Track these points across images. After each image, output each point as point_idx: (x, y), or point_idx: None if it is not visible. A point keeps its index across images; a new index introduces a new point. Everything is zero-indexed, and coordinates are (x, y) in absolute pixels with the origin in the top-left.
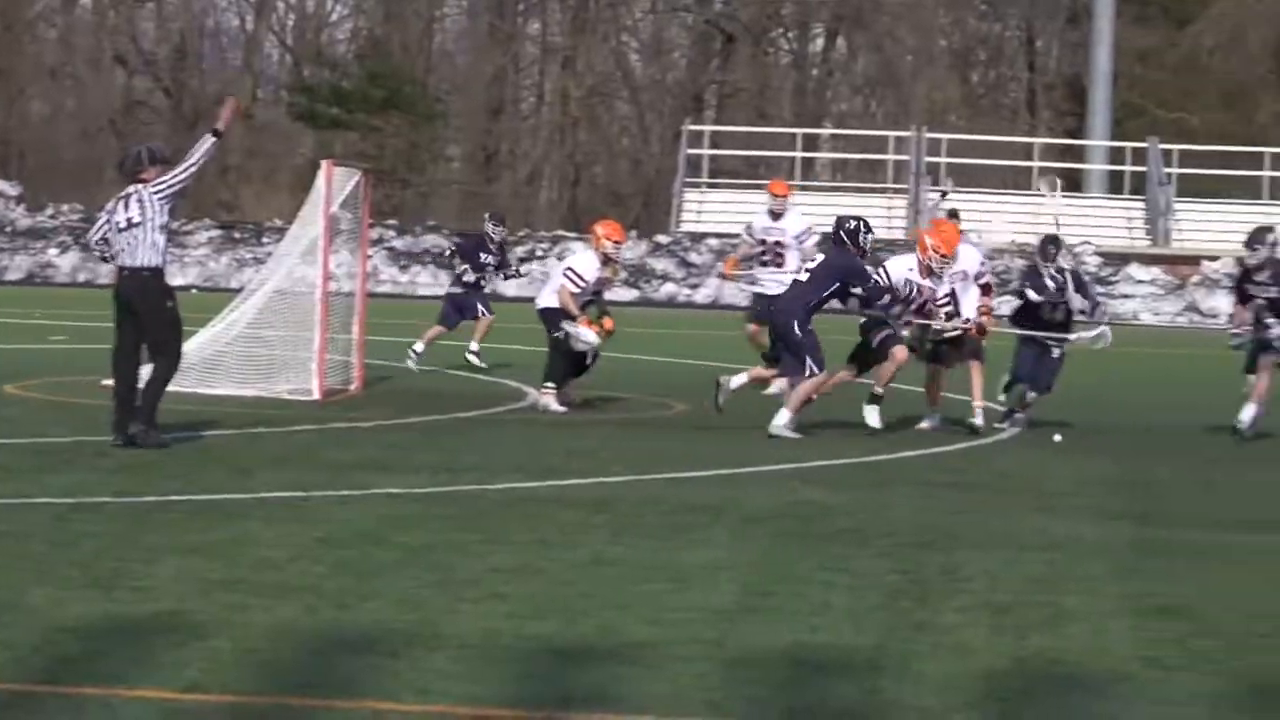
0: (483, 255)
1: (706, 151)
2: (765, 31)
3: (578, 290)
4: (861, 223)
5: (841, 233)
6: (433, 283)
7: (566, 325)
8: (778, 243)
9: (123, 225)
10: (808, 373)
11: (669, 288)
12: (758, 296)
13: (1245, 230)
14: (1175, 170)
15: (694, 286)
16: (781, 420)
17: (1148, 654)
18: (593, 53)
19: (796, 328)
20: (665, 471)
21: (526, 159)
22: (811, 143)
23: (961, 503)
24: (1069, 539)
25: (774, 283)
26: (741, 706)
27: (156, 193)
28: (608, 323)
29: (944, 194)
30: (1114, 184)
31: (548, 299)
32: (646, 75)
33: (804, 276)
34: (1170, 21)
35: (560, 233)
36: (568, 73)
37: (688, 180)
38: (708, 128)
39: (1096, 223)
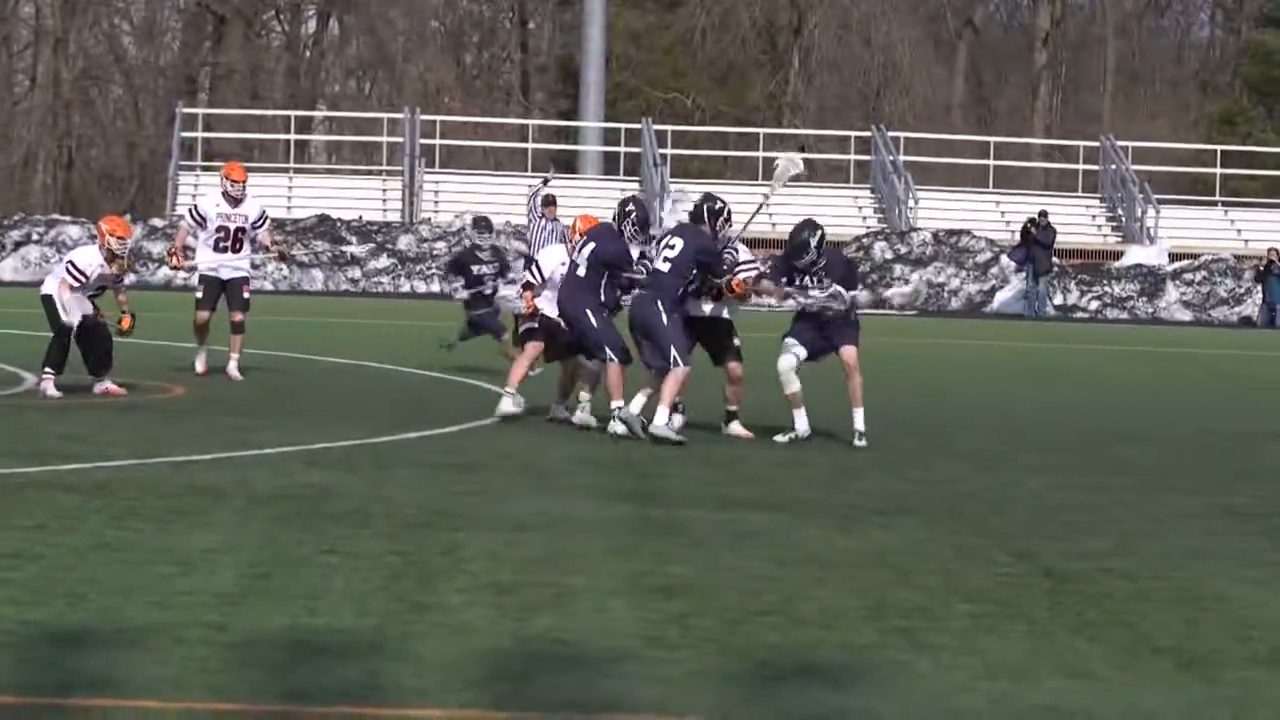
0: (475, 267)
1: (201, 134)
2: (258, 13)
3: (77, 285)
4: (728, 208)
5: (705, 212)
6: None
7: (64, 309)
8: (240, 229)
9: None
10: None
11: (165, 270)
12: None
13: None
14: (670, 151)
15: (192, 270)
16: (662, 419)
17: (650, 633)
18: (85, 35)
19: (663, 319)
20: (167, 455)
21: (20, 142)
22: (305, 125)
23: (463, 483)
24: (568, 518)
25: (230, 269)
26: (243, 689)
27: None
28: (124, 322)
29: (546, 180)
30: (609, 166)
31: (49, 286)
32: (139, 57)
33: (664, 266)
34: (662, 3)
35: (55, 216)
36: (60, 55)
37: (182, 163)
38: (201, 110)
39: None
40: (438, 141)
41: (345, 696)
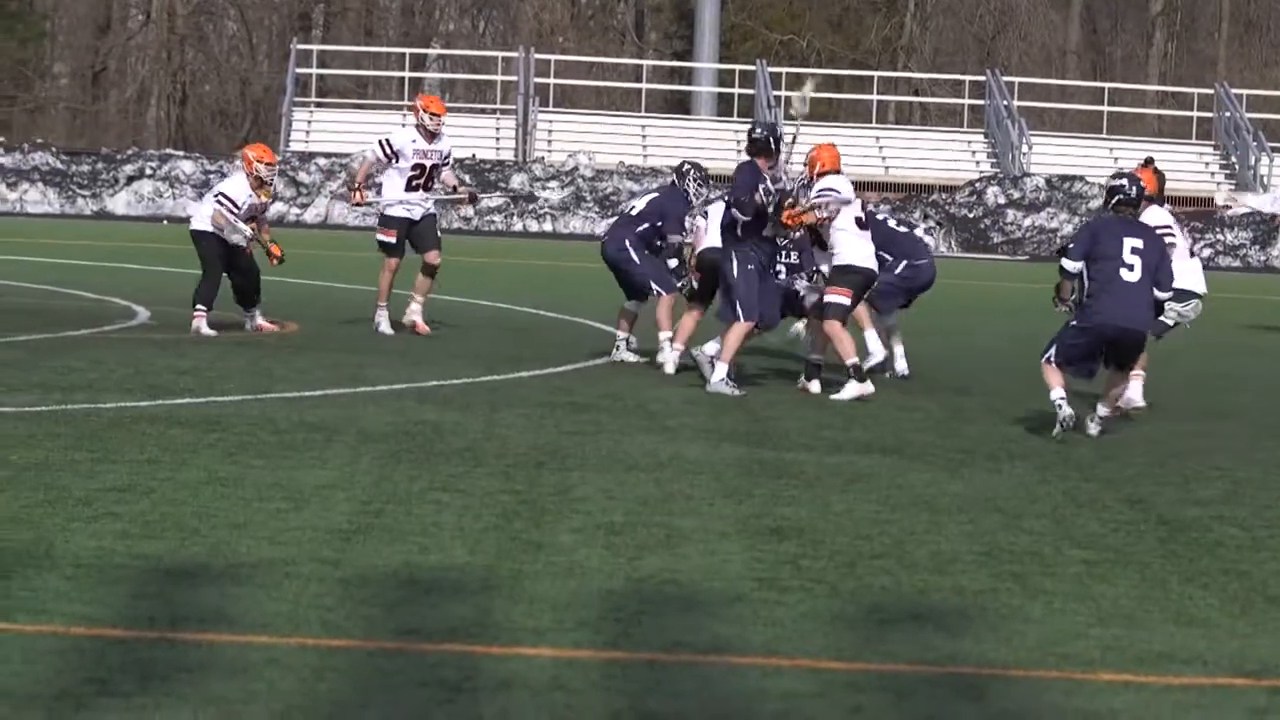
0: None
1: (315, 71)
2: None
3: (233, 214)
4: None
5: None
6: (41, 200)
7: (233, 227)
8: (435, 166)
9: None
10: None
11: (278, 207)
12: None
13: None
14: (784, 93)
15: (304, 206)
16: (719, 375)
17: (761, 575)
18: None
19: (733, 269)
20: (280, 391)
21: (134, 77)
22: (419, 62)
23: (574, 423)
24: (679, 459)
25: (421, 208)
26: (355, 625)
27: None
28: (275, 250)
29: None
30: (723, 107)
31: (200, 221)
32: None
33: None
34: None
35: (169, 151)
36: None
37: (296, 100)
38: (315, 47)
39: (698, 145)
40: (551, 80)
41: (457, 635)
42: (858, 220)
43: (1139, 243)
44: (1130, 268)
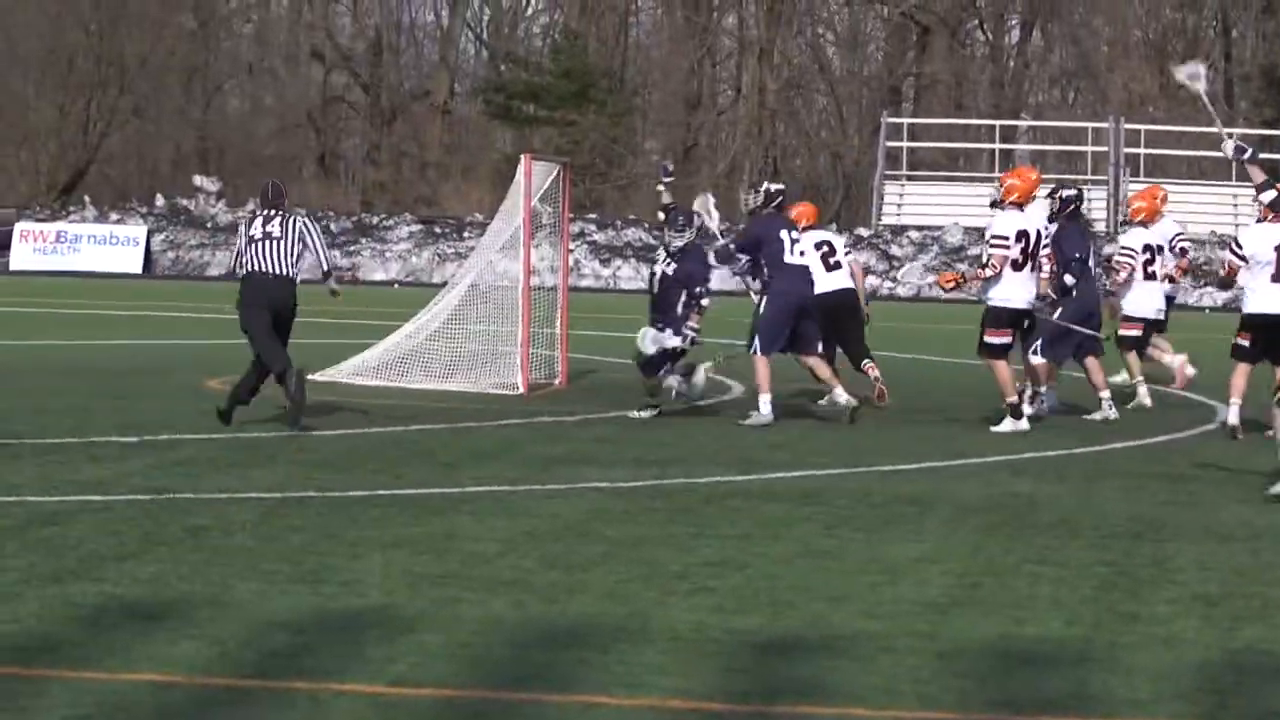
0: None
1: (905, 144)
2: (961, 23)
3: None
4: None
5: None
6: (634, 276)
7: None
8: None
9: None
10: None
11: (871, 280)
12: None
13: None
14: None
15: (895, 280)
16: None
17: None
18: (789, 45)
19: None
20: (873, 464)
21: (725, 152)
22: (1009, 134)
23: (1170, 493)
24: (1273, 529)
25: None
26: (951, 698)
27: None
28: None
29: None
30: None
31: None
32: (844, 67)
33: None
34: None
35: None
36: (764, 65)
37: (887, 173)
38: (906, 120)
39: None
40: (1142, 150)
41: (1053, 706)
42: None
43: None
44: None
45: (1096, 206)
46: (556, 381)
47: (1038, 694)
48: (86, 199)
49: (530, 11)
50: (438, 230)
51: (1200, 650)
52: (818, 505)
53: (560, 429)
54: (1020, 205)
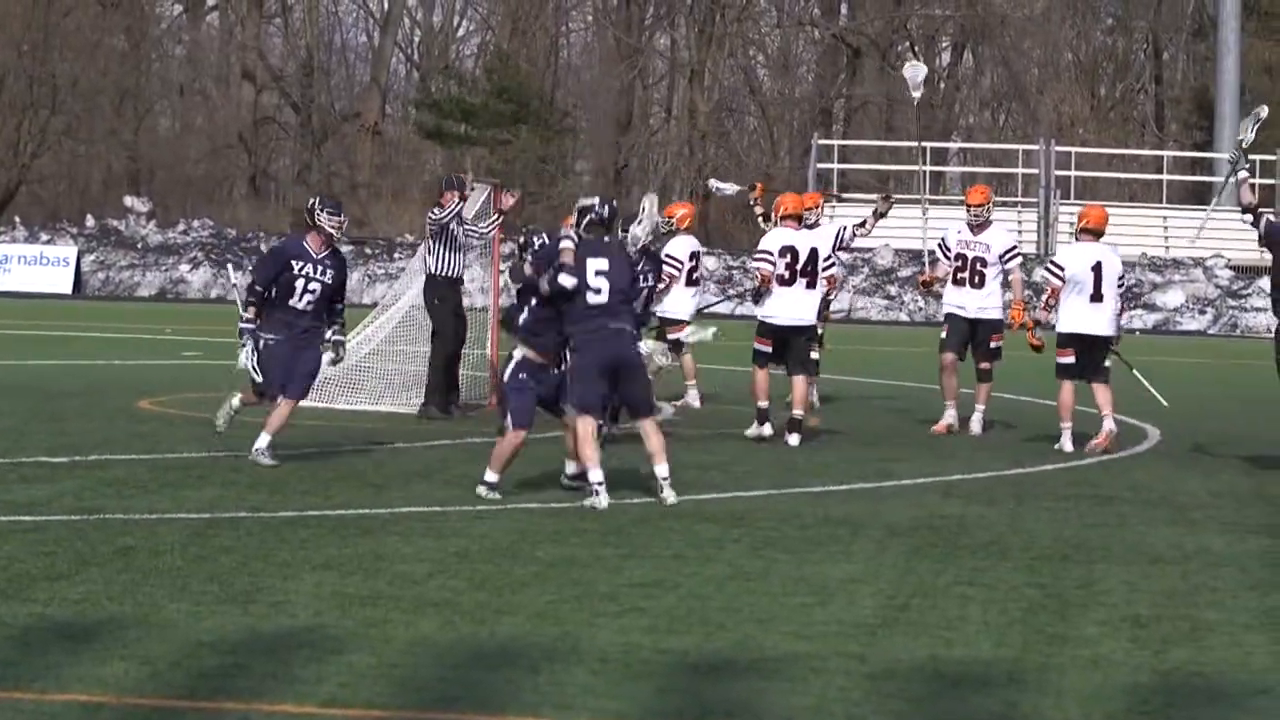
0: None
1: (836, 165)
2: (892, 45)
3: None
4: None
5: None
6: None
7: None
8: (979, 259)
9: None
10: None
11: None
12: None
13: None
14: None
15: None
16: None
17: None
18: (720, 67)
19: None
20: (805, 486)
21: (656, 173)
22: (939, 156)
23: (1098, 516)
24: (1204, 552)
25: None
26: (883, 719)
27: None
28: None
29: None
30: None
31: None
32: (774, 89)
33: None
34: None
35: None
36: (696, 87)
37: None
38: (836, 142)
39: (1231, 235)
40: (1072, 173)
41: None
42: None
43: None
44: None
45: (1028, 229)
46: (487, 403)
47: (968, 714)
48: (16, 219)
49: (462, 33)
50: (368, 251)
51: (1129, 672)
52: (748, 526)
53: (489, 450)
54: (800, 221)
